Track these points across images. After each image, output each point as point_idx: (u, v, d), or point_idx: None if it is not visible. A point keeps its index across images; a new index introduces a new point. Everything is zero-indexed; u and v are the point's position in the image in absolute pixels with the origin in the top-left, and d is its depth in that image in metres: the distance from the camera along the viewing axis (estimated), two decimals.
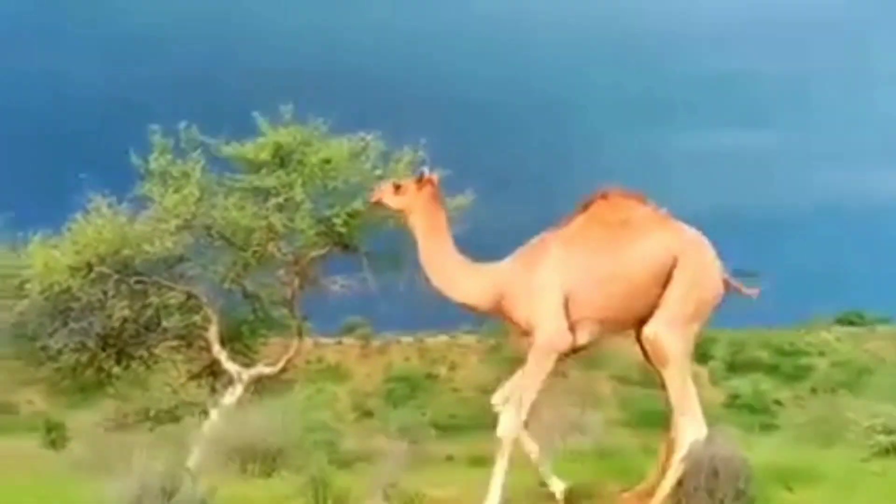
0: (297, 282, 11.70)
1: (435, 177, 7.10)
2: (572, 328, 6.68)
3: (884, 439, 7.51)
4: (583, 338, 6.75)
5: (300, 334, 12.34)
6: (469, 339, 54.21)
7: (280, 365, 12.42)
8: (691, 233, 6.80)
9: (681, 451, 6.19)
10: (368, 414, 36.60)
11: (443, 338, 52.95)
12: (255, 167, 11.19)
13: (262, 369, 12.30)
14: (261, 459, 9.54)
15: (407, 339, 47.96)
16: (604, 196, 6.94)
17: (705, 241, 6.80)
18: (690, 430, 6.19)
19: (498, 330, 51.80)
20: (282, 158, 11.15)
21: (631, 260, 6.63)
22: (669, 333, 6.39)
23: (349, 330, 43.90)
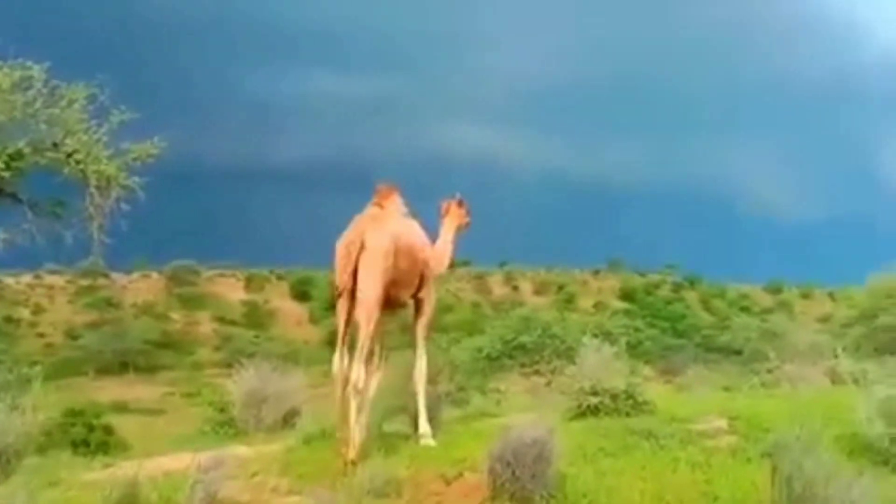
0: None
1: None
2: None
3: (593, 399, 8.35)
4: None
5: None
6: (56, 279, 49.41)
7: None
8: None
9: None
10: None
11: (26, 277, 47.58)
12: None
13: None
14: None
15: None
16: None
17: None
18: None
19: (91, 270, 48.14)
20: None
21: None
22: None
23: None
